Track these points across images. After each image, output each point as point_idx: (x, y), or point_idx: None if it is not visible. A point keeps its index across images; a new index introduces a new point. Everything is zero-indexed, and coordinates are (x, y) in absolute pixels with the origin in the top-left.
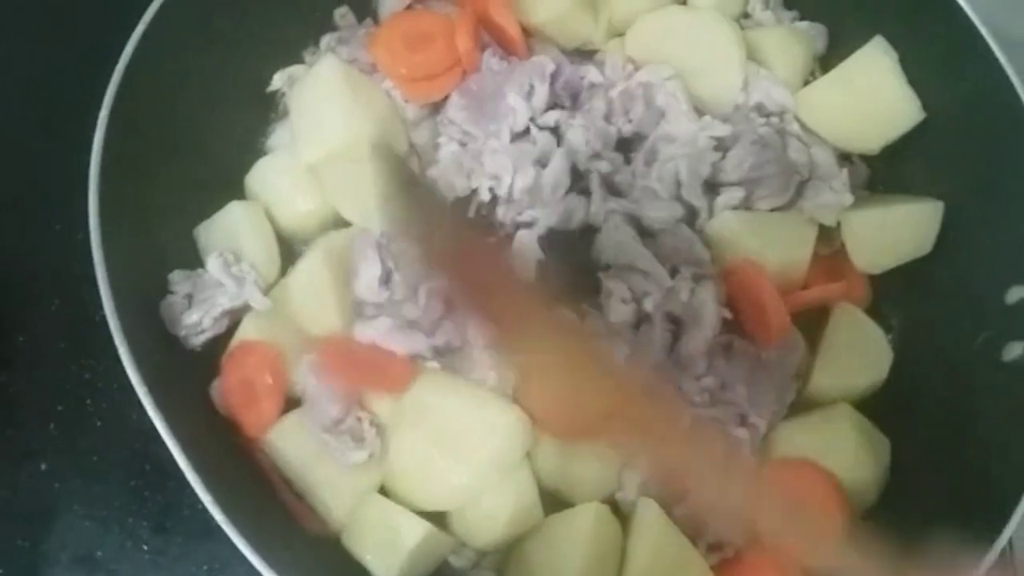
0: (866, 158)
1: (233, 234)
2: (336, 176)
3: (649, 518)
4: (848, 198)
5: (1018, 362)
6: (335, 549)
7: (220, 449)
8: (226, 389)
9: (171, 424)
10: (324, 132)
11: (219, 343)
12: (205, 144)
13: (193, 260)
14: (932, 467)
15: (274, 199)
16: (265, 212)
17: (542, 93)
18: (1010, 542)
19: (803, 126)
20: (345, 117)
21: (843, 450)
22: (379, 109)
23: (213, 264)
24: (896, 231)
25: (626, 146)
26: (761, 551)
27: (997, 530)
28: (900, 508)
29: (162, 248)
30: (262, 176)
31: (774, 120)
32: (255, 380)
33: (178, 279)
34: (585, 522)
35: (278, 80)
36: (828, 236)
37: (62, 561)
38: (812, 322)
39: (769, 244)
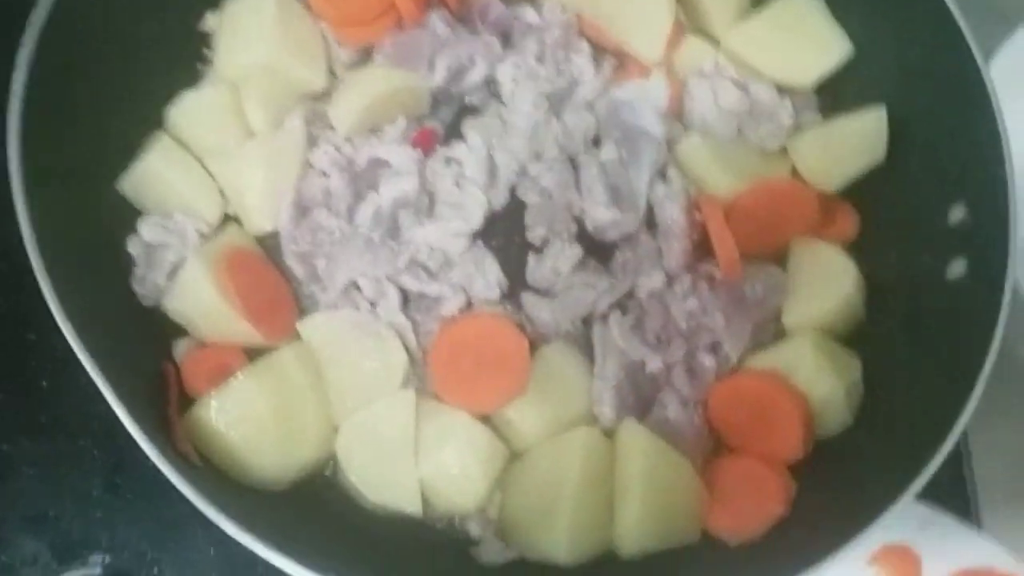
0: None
1: (158, 183)
2: (254, 86)
3: (633, 434)
4: (787, 121)
5: (961, 280)
6: (287, 499)
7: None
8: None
9: (112, 383)
10: (247, 50)
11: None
12: (133, 90)
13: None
14: (901, 386)
15: (196, 129)
16: (188, 146)
17: (476, 74)
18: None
19: (740, 63)
20: (268, 40)
21: (804, 368)
22: (307, 41)
23: (145, 230)
24: (843, 144)
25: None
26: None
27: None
28: (877, 427)
29: (95, 201)
30: (184, 107)
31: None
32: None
33: (132, 245)
34: (576, 443)
35: (212, 21)
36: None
37: (12, 521)
38: None
39: (727, 166)
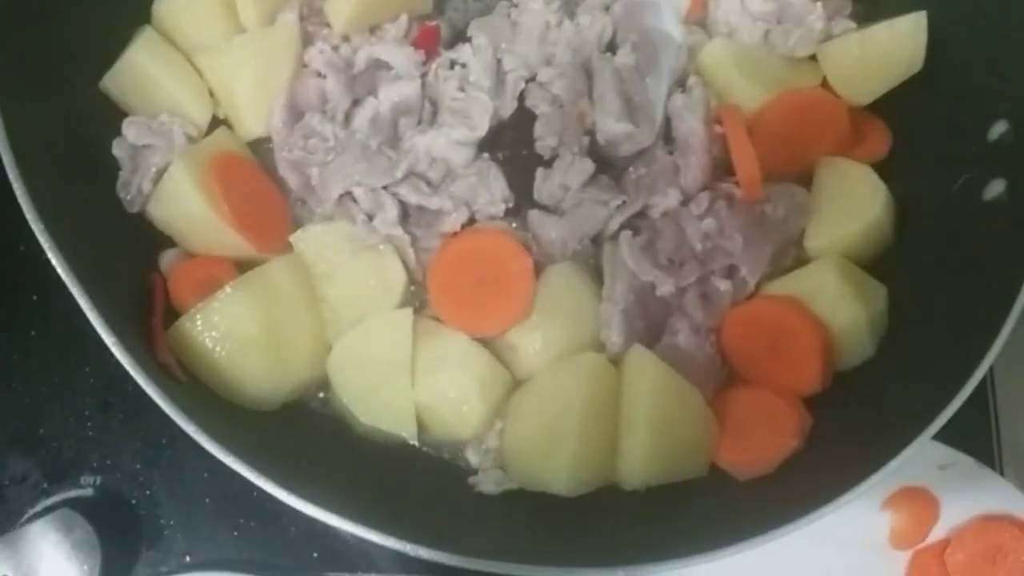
0: None
1: (143, 80)
2: None
3: (641, 360)
4: (818, 26)
5: (998, 200)
6: (277, 419)
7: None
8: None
9: (92, 295)
10: None
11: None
12: None
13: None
14: (928, 318)
15: (183, 23)
16: (175, 41)
17: None
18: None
19: None
20: None
21: (825, 295)
22: None
23: (130, 131)
24: (878, 52)
25: None
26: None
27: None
28: (900, 361)
29: (77, 102)
30: None
31: None
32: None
33: (117, 147)
34: (581, 370)
35: None
36: None
37: (1, 439)
38: None
39: (752, 74)
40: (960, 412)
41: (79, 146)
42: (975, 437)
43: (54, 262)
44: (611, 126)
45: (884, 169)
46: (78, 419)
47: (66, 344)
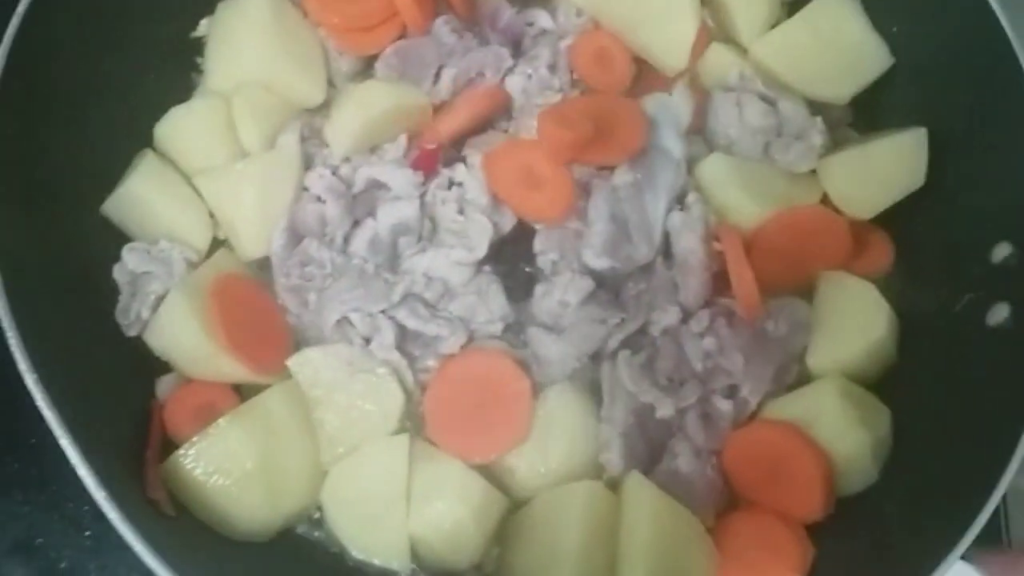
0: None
1: (143, 207)
2: (246, 100)
3: (640, 490)
4: (818, 140)
5: (1003, 326)
6: (268, 551)
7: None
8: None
9: (78, 435)
10: (238, 61)
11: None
12: (122, 105)
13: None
14: (935, 442)
15: (184, 147)
16: (177, 164)
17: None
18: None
19: (769, 76)
20: (261, 50)
21: (827, 419)
22: (304, 50)
23: (129, 258)
24: (879, 167)
25: None
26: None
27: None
28: (906, 486)
29: (78, 226)
30: (172, 122)
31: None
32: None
33: (117, 272)
34: (577, 499)
35: (205, 26)
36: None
37: (1, 548)
38: None
39: (751, 191)
40: None
41: (79, 270)
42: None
43: (46, 415)
44: (591, 261)
45: (888, 283)
46: (77, 528)
47: (64, 453)
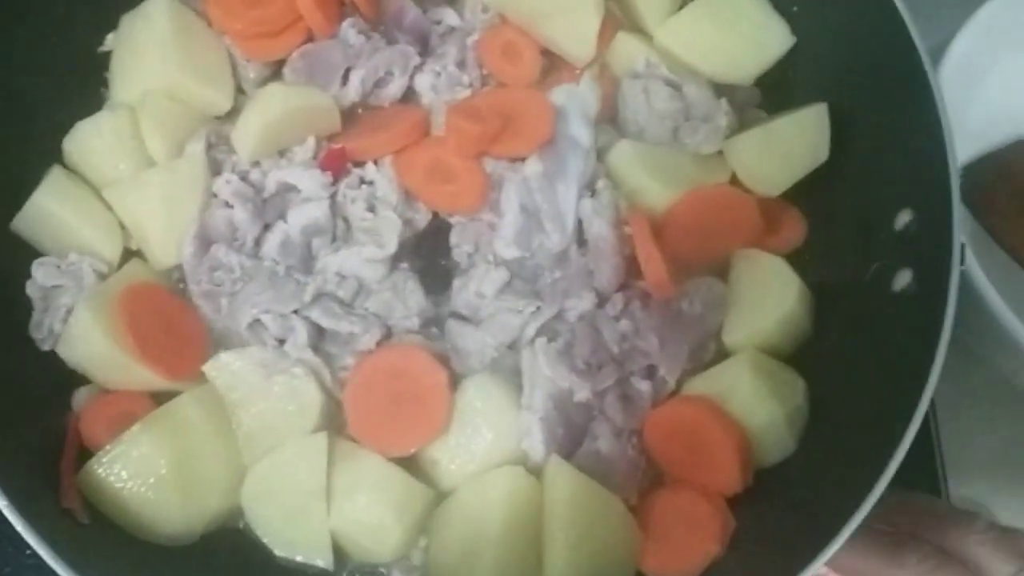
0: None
1: (51, 221)
2: (152, 111)
3: (559, 472)
4: (724, 123)
5: (906, 291)
6: (190, 554)
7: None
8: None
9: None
10: (142, 71)
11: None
12: (30, 120)
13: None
14: (847, 408)
15: (92, 160)
16: (86, 178)
17: (394, 87)
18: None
19: (675, 61)
20: (165, 59)
21: (741, 394)
22: (208, 59)
23: (39, 273)
24: (784, 144)
25: None
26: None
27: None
28: (822, 453)
29: None
30: (79, 136)
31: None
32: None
33: (30, 287)
34: (499, 485)
35: (111, 41)
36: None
37: None
38: None
39: (659, 174)
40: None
41: None
42: None
43: None
44: (503, 251)
45: (802, 258)
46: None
47: None
